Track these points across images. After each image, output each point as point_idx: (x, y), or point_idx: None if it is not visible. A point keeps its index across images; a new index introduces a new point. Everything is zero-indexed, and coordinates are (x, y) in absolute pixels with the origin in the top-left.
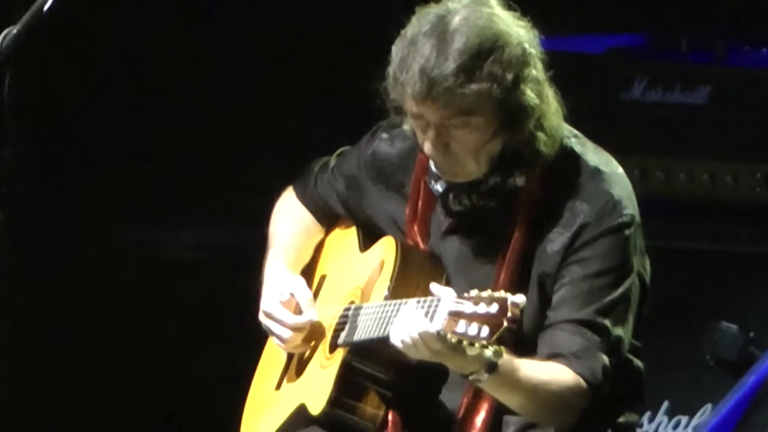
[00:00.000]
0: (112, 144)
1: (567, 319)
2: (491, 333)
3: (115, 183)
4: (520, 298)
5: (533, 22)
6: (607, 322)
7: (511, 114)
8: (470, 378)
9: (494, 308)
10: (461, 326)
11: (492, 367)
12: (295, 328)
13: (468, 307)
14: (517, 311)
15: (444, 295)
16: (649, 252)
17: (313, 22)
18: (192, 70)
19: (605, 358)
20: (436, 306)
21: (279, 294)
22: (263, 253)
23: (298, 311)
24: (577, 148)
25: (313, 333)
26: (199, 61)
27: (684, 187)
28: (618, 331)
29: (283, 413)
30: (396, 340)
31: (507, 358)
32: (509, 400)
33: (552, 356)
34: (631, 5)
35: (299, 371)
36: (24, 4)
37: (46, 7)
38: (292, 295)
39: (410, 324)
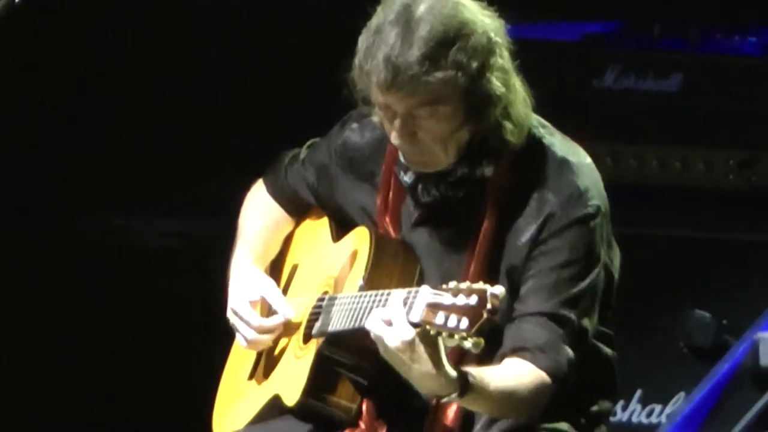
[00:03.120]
0: (92, 132)
1: (533, 311)
2: (471, 324)
3: (95, 171)
4: (499, 290)
5: (505, 9)
6: (572, 315)
7: (477, 102)
8: (442, 401)
9: (473, 300)
10: (440, 318)
11: (464, 389)
12: (261, 330)
13: (447, 298)
14: (497, 302)
15: (422, 287)
16: (621, 239)
17: (288, 11)
18: (171, 59)
19: (570, 352)
20: (414, 297)
21: (249, 293)
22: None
23: (266, 314)
24: (545, 139)
25: (286, 324)
26: (177, 50)
27: (656, 174)
28: (584, 322)
29: (256, 404)
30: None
31: (478, 380)
32: (480, 410)
33: (517, 349)
34: None
35: (273, 362)
36: None
37: None
38: (262, 297)
39: (385, 311)
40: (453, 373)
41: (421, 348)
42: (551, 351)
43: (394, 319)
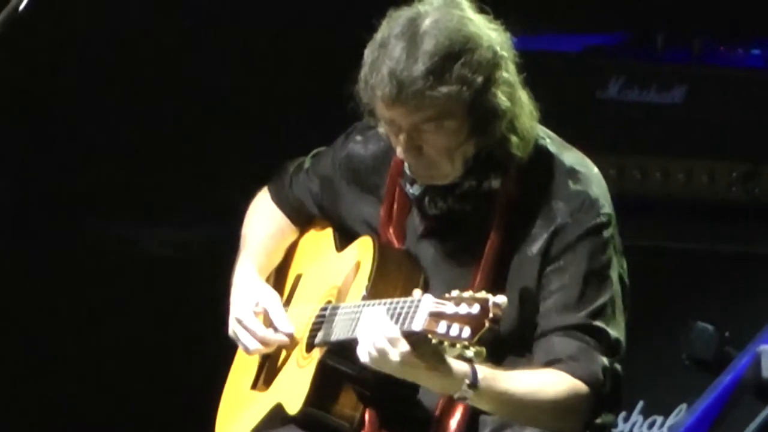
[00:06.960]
0: (92, 140)
1: (560, 326)
2: (473, 333)
3: (95, 179)
4: (501, 299)
5: (509, 21)
6: (601, 324)
7: (482, 116)
8: (455, 397)
9: (476, 309)
10: (442, 327)
11: (473, 384)
12: (264, 342)
13: (449, 307)
14: (499, 312)
15: (425, 296)
16: (625, 251)
17: (291, 21)
18: (171, 67)
19: (604, 360)
20: (417, 306)
21: (253, 304)
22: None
23: (269, 325)
24: (552, 149)
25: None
26: (178, 58)
27: (660, 186)
28: (613, 331)
29: (259, 413)
30: (362, 354)
31: (488, 373)
32: (502, 412)
33: (549, 363)
34: (607, 4)
35: (275, 370)
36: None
37: (21, 7)
38: (265, 309)
39: (376, 330)
40: (459, 366)
41: (420, 350)
42: (584, 359)
43: (385, 336)
